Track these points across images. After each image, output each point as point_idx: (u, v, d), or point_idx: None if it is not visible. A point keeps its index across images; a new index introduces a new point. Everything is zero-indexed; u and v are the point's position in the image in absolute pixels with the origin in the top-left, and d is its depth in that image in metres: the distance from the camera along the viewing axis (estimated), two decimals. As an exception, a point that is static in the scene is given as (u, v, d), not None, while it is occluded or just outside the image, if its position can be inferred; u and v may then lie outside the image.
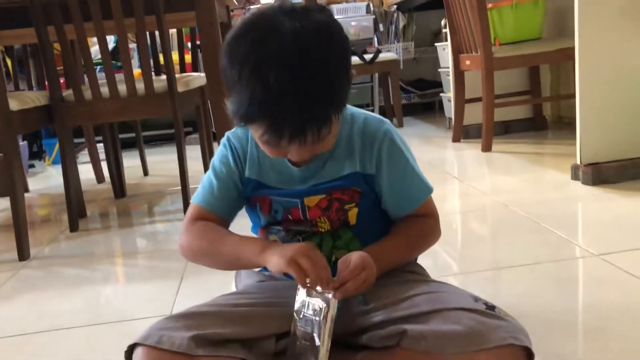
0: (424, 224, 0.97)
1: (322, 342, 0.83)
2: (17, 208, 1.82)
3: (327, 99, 0.78)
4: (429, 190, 0.96)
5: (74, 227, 2.10)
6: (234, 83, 0.78)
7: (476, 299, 0.84)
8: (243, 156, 0.97)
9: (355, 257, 0.85)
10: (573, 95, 2.06)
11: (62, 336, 1.24)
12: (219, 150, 1.00)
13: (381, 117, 0.97)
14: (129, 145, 3.63)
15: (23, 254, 1.81)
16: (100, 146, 2.98)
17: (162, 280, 1.52)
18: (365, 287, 0.85)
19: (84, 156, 3.45)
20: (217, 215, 0.98)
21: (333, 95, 0.79)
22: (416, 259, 1.04)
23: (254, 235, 1.03)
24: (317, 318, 0.83)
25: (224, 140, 0.99)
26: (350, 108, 0.96)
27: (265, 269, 0.97)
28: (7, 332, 1.29)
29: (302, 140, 0.79)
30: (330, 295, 0.82)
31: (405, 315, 0.85)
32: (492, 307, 0.82)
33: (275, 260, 0.84)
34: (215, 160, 0.99)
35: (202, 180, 1.01)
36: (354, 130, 0.93)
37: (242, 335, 0.87)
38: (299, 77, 0.75)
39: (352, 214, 0.94)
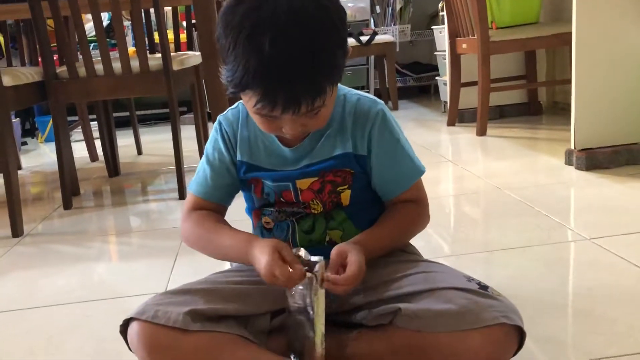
0: (411, 211, 0.95)
1: (316, 314, 0.83)
2: (11, 185, 1.82)
3: (322, 68, 0.77)
4: (419, 172, 0.95)
5: (67, 205, 2.10)
6: (229, 51, 0.77)
7: (469, 279, 0.85)
8: (234, 139, 0.96)
9: (353, 265, 0.82)
10: (568, 81, 2.06)
11: (57, 312, 1.25)
12: (211, 135, 1.00)
13: (375, 97, 0.96)
14: (123, 124, 3.61)
15: (16, 231, 1.81)
16: (93, 125, 2.96)
17: (156, 258, 1.52)
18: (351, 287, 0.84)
19: (77, 134, 3.43)
20: (213, 203, 0.99)
21: (328, 65, 0.78)
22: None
23: (247, 221, 1.03)
24: (308, 291, 0.83)
25: (215, 124, 0.99)
26: (344, 88, 0.95)
27: None
28: (2, 308, 1.29)
29: (295, 110, 0.77)
30: (317, 266, 0.82)
31: (399, 294, 0.86)
32: (484, 287, 0.83)
33: (258, 271, 0.85)
34: (207, 146, 0.99)
35: (197, 169, 1.01)
36: (347, 110, 0.92)
37: (237, 312, 0.88)
38: (293, 44, 0.74)
39: (345, 195, 0.94)
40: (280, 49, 0.74)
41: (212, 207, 0.99)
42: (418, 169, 0.95)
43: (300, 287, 0.84)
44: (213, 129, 0.99)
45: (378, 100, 0.95)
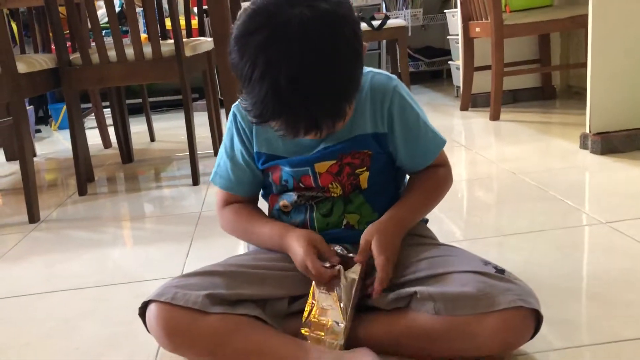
0: (438, 175, 0.98)
1: (344, 303, 0.85)
2: (27, 171, 1.83)
3: (339, 95, 0.77)
4: (443, 142, 0.97)
5: (82, 191, 2.12)
6: (245, 82, 0.76)
7: (485, 263, 0.85)
8: (249, 131, 0.96)
9: (380, 271, 0.86)
10: (583, 64, 2.04)
11: (74, 296, 1.26)
12: (227, 126, 1.00)
13: (388, 73, 0.95)
14: (136, 111, 3.62)
15: (33, 217, 1.83)
16: (106, 112, 2.97)
17: (171, 243, 1.53)
18: (389, 267, 0.88)
19: (90, 122, 3.44)
20: (242, 196, 1.02)
21: (345, 90, 0.78)
22: (426, 222, 1.05)
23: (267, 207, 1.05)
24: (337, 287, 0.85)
25: (230, 116, 0.99)
26: None
27: None
28: (21, 292, 1.31)
29: (317, 133, 0.79)
30: (354, 269, 0.88)
31: (415, 278, 0.86)
32: (501, 271, 0.83)
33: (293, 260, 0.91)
34: (225, 139, 1.00)
35: (217, 158, 1.02)
36: (363, 90, 0.91)
37: (255, 295, 0.88)
38: (309, 77, 0.73)
39: (364, 177, 0.94)
40: (296, 83, 0.72)
41: (242, 200, 1.02)
42: (441, 138, 0.97)
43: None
44: (228, 120, 0.99)
45: (391, 75, 0.94)
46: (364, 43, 0.81)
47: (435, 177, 0.98)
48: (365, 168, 0.94)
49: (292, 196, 0.97)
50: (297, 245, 0.88)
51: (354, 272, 0.87)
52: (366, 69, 0.93)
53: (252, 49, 0.73)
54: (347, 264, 0.88)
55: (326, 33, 0.73)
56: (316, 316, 0.86)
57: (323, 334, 0.85)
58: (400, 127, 0.93)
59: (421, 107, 0.97)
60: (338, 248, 0.91)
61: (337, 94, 0.76)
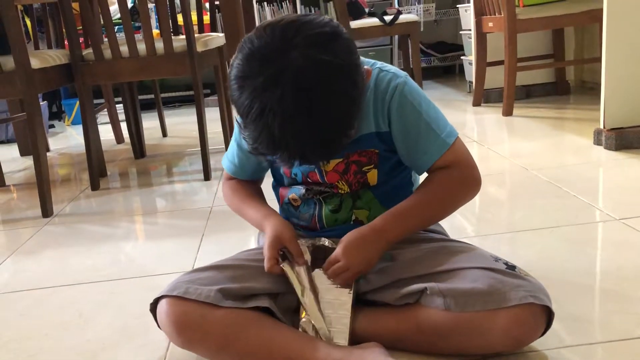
0: (446, 177, 0.91)
1: (303, 301, 0.87)
2: (40, 166, 1.85)
3: (332, 138, 0.77)
4: (446, 144, 0.90)
5: (95, 186, 2.13)
6: (242, 118, 0.78)
7: (496, 259, 0.85)
8: None
9: (339, 253, 0.87)
10: (597, 59, 2.01)
11: (86, 289, 1.27)
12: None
13: (396, 70, 0.92)
14: (148, 106, 3.64)
15: (46, 211, 1.85)
16: (119, 107, 2.99)
17: (183, 238, 1.54)
18: (347, 275, 0.87)
19: (103, 117, 3.47)
20: (244, 179, 1.05)
21: (336, 136, 0.78)
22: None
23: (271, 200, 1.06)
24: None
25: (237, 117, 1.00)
26: (365, 62, 0.91)
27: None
28: (34, 285, 1.32)
29: (313, 165, 0.82)
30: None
31: (425, 273, 0.86)
32: (512, 267, 0.83)
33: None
34: (236, 125, 1.00)
35: (232, 139, 1.05)
36: (369, 88, 0.90)
37: (267, 289, 0.89)
38: (300, 125, 0.73)
39: (372, 175, 0.94)
40: (288, 132, 0.73)
41: (244, 181, 1.05)
42: (443, 139, 0.90)
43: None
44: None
45: (400, 72, 0.92)
46: (366, 67, 0.82)
47: (442, 178, 0.91)
48: (372, 165, 0.93)
49: (301, 190, 0.97)
50: (267, 235, 0.92)
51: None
52: (377, 64, 0.93)
53: (247, 91, 0.75)
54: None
55: (319, 84, 0.73)
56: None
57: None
58: (398, 125, 0.90)
59: (434, 105, 0.93)
60: (325, 241, 0.92)
61: (328, 139, 0.77)
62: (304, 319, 0.87)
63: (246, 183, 1.05)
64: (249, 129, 0.77)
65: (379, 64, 0.93)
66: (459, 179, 0.92)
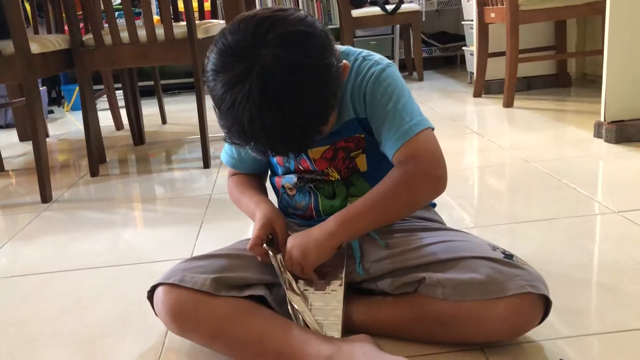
0: (402, 174, 0.85)
1: (287, 288, 0.89)
2: (40, 151, 1.84)
3: (301, 135, 0.78)
4: (410, 132, 0.85)
5: (94, 172, 2.13)
6: (217, 110, 0.79)
7: (494, 248, 0.85)
8: None
9: (288, 248, 0.89)
10: (599, 52, 2.01)
11: (85, 275, 1.28)
12: None
13: (381, 58, 0.91)
14: (147, 93, 3.63)
15: (45, 197, 1.85)
16: (119, 94, 2.98)
17: (182, 225, 1.54)
18: (302, 263, 0.88)
19: (102, 103, 3.46)
20: (245, 173, 1.06)
21: (308, 130, 0.78)
22: (434, 206, 1.04)
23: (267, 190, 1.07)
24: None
25: None
26: (354, 52, 0.92)
27: (289, 215, 1.01)
28: (33, 270, 1.32)
29: (286, 156, 0.82)
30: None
31: (423, 262, 0.86)
32: (510, 256, 0.83)
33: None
34: None
35: None
36: (350, 77, 0.89)
37: (262, 279, 0.89)
38: (267, 121, 0.74)
39: (361, 160, 0.94)
40: (257, 126, 0.74)
41: (246, 175, 1.06)
42: (410, 127, 0.85)
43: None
44: None
45: (383, 60, 0.90)
46: (344, 62, 0.82)
47: (396, 175, 0.86)
48: (360, 150, 0.93)
49: (293, 178, 0.97)
50: (257, 219, 0.93)
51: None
52: (364, 53, 0.92)
53: (219, 86, 0.76)
54: None
55: (285, 83, 0.74)
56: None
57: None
58: (370, 109, 0.89)
59: (409, 94, 0.90)
60: None
61: (296, 136, 0.78)
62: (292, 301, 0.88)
63: (249, 177, 1.05)
64: (222, 121, 0.78)
65: (365, 52, 0.92)
66: (414, 175, 0.85)
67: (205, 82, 0.80)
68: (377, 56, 0.91)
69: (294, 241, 0.88)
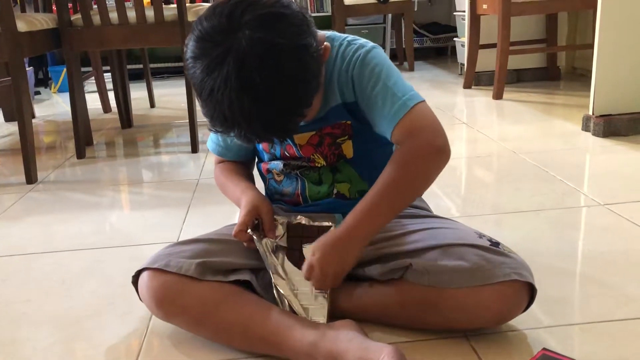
0: (408, 153, 0.83)
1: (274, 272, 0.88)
2: (25, 132, 1.82)
3: (283, 118, 0.77)
4: (405, 107, 0.83)
5: (80, 154, 2.11)
6: (198, 98, 0.78)
7: (480, 235, 0.85)
8: None
9: (310, 263, 0.84)
10: (589, 46, 2.02)
11: (70, 257, 1.27)
12: None
13: (366, 42, 0.90)
14: (136, 76, 3.59)
15: (30, 178, 1.83)
16: (107, 76, 2.95)
17: (169, 209, 1.53)
18: (327, 281, 0.84)
19: (90, 85, 3.42)
20: (231, 160, 1.05)
21: (289, 113, 0.77)
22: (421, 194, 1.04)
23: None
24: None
25: None
26: (340, 37, 0.91)
27: (276, 201, 1.01)
28: (16, 251, 1.31)
29: (270, 142, 0.81)
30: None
31: (410, 249, 0.86)
32: (496, 244, 0.83)
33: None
34: None
35: None
36: (336, 62, 0.89)
37: (248, 265, 0.89)
38: (246, 104, 0.73)
39: (347, 146, 0.93)
40: (236, 111, 0.74)
41: (232, 162, 1.05)
42: (404, 101, 0.83)
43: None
44: None
45: (368, 43, 0.90)
46: (325, 44, 0.81)
47: (399, 156, 0.83)
48: (347, 137, 0.93)
49: (279, 165, 0.97)
50: (243, 205, 0.92)
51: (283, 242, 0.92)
52: (349, 38, 0.91)
53: (199, 72, 0.75)
54: (310, 234, 0.91)
55: (262, 65, 0.73)
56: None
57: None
58: (359, 91, 0.88)
59: (397, 71, 0.89)
60: (302, 219, 0.94)
61: (278, 120, 0.77)
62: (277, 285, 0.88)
63: (235, 164, 1.04)
64: (204, 108, 0.78)
65: (350, 37, 0.91)
66: (420, 150, 0.83)
67: (186, 71, 0.79)
68: (361, 40, 0.91)
69: (316, 254, 0.83)
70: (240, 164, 1.05)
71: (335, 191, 0.95)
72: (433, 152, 0.83)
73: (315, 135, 0.92)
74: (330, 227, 0.91)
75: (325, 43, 0.83)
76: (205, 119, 0.80)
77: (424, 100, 0.86)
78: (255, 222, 0.92)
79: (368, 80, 0.86)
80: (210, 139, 1.05)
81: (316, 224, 0.93)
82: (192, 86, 0.79)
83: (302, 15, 0.78)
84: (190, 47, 0.77)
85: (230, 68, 0.72)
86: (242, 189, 0.96)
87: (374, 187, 0.84)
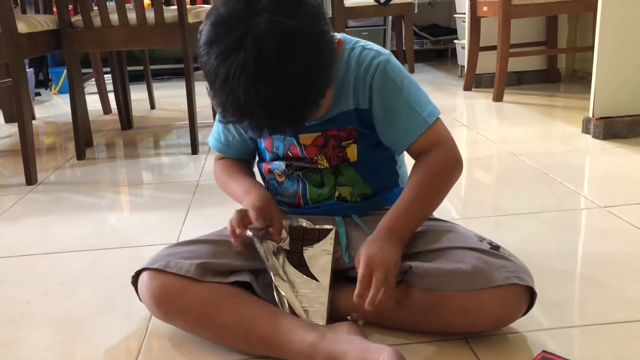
0: (433, 162, 0.89)
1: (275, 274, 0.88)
2: (25, 133, 1.82)
3: (295, 107, 0.75)
4: (426, 122, 0.89)
5: (80, 156, 2.11)
6: (210, 86, 0.76)
7: (481, 239, 0.85)
8: None
9: (361, 262, 0.81)
10: (590, 48, 2.01)
11: (69, 258, 1.26)
12: None
13: (380, 48, 0.91)
14: (137, 78, 3.59)
15: (30, 179, 1.83)
16: (107, 78, 2.95)
17: (168, 210, 1.53)
18: (387, 284, 0.79)
19: (90, 87, 3.42)
20: (232, 158, 1.04)
21: (301, 102, 0.76)
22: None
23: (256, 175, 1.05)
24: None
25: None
26: (351, 40, 0.91)
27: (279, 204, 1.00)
28: (16, 252, 1.31)
29: (282, 134, 0.79)
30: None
31: (410, 252, 0.86)
32: (496, 247, 0.83)
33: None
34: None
35: (217, 118, 1.01)
36: (350, 65, 0.89)
37: (246, 266, 0.89)
38: (262, 91, 0.72)
39: (351, 150, 0.93)
40: (253, 97, 0.72)
41: (233, 160, 1.04)
42: (424, 118, 0.88)
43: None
44: None
45: (384, 51, 0.91)
46: (338, 38, 0.80)
47: (426, 168, 0.89)
48: (352, 141, 0.92)
49: (282, 165, 0.97)
50: (250, 202, 0.91)
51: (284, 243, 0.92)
52: (361, 42, 0.92)
53: (213, 58, 0.74)
54: (311, 237, 0.91)
55: (280, 49, 0.72)
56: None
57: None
58: (379, 102, 0.89)
59: (419, 85, 0.92)
60: (303, 222, 0.93)
61: (291, 106, 0.75)
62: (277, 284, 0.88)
63: (236, 162, 1.04)
64: (217, 96, 0.75)
65: (362, 42, 0.92)
66: (445, 162, 0.90)
67: (198, 59, 0.77)
68: (375, 46, 0.91)
69: (369, 262, 0.81)
70: (241, 161, 1.04)
71: (336, 194, 0.95)
72: (457, 165, 0.91)
73: (321, 137, 0.92)
74: (331, 230, 0.91)
75: (338, 37, 0.82)
76: (206, 120, 0.79)
77: (440, 116, 0.91)
78: (261, 226, 0.90)
79: (390, 92, 0.88)
80: (212, 135, 1.04)
81: (317, 227, 0.93)
82: (204, 74, 0.77)
83: (317, 4, 0.78)
84: (204, 33, 0.75)
85: (248, 53, 0.71)
86: (246, 188, 0.95)
87: (405, 195, 0.88)
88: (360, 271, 0.80)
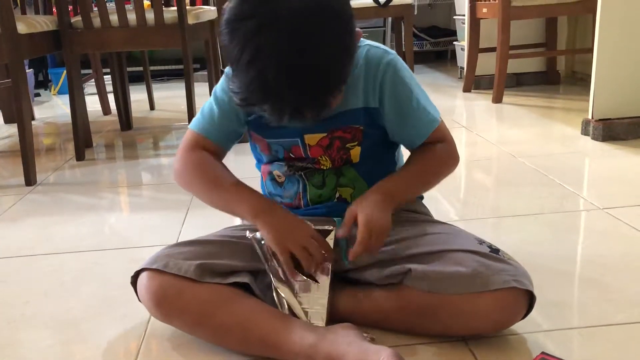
0: (437, 149, 0.93)
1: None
2: (25, 134, 1.82)
3: (324, 88, 0.74)
4: (435, 121, 0.92)
5: (80, 156, 2.11)
6: (234, 65, 0.74)
7: (480, 242, 0.85)
8: None
9: (362, 231, 0.82)
10: (589, 50, 2.02)
11: (68, 259, 1.26)
12: (222, 80, 0.95)
13: (385, 47, 0.92)
14: (136, 79, 3.59)
15: (30, 180, 1.83)
16: (107, 79, 2.95)
17: (167, 211, 1.53)
18: (378, 242, 0.83)
19: (90, 87, 3.42)
20: (215, 144, 0.95)
21: (330, 83, 0.75)
22: (422, 199, 1.04)
23: (255, 175, 1.03)
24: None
25: (227, 70, 0.95)
26: None
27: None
28: (15, 253, 1.31)
29: (302, 122, 0.76)
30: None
31: (410, 254, 0.86)
32: (496, 250, 0.83)
33: (269, 237, 0.85)
34: (217, 88, 0.95)
35: (201, 108, 0.98)
36: (357, 63, 0.87)
37: (247, 267, 0.89)
38: (294, 69, 0.70)
39: (355, 152, 0.93)
40: (283, 75, 0.70)
41: (212, 148, 0.95)
42: (434, 118, 0.92)
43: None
44: (224, 75, 0.94)
45: (389, 50, 0.91)
46: (357, 29, 0.79)
47: (431, 152, 0.93)
48: (356, 142, 0.92)
49: (283, 166, 0.96)
50: (283, 229, 0.86)
51: None
52: (363, 41, 0.91)
53: (241, 34, 0.71)
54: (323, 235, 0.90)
55: (314, 26, 0.70)
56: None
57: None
58: (390, 101, 0.89)
59: (421, 86, 0.94)
60: (325, 225, 0.91)
61: (321, 86, 0.74)
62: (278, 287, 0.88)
63: (214, 158, 0.95)
64: (239, 77, 0.73)
65: (367, 41, 0.92)
66: (447, 153, 0.95)
67: (221, 38, 0.74)
68: (381, 45, 0.92)
69: (364, 218, 0.83)
70: (219, 160, 0.96)
71: (337, 195, 0.95)
72: (456, 160, 0.96)
73: (326, 138, 0.91)
74: (331, 230, 0.91)
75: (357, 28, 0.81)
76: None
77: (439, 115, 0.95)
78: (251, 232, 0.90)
79: (401, 91, 0.89)
80: (195, 119, 0.97)
81: (317, 227, 0.92)
82: (227, 53, 0.73)
83: None
84: (230, 9, 0.73)
85: (281, 29, 0.69)
86: (255, 211, 0.88)
87: (409, 166, 0.92)
88: (360, 233, 0.82)
